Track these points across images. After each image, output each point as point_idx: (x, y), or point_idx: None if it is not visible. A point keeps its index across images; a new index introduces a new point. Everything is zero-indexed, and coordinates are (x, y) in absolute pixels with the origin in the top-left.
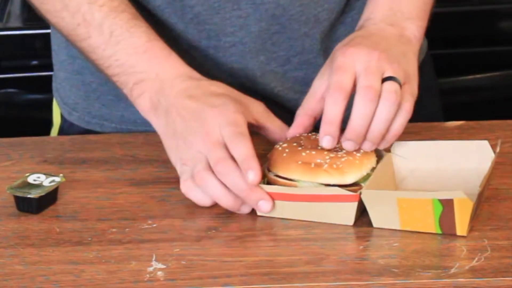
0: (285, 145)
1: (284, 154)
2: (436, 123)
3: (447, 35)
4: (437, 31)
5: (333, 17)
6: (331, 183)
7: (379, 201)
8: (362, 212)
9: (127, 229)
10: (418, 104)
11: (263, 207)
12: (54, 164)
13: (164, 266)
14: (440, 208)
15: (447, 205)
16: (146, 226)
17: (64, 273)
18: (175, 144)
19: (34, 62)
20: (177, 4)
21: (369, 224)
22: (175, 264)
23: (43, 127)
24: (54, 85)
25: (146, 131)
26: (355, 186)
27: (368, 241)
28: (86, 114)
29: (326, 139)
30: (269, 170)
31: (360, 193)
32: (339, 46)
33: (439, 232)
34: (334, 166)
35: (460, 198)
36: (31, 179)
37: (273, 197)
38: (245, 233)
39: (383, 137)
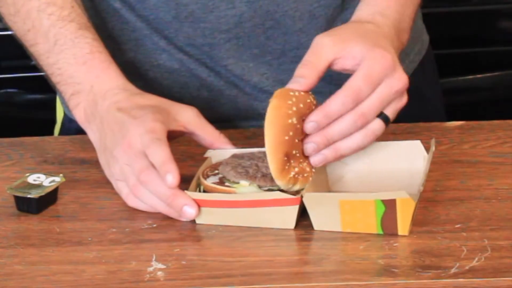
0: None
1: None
2: (436, 123)
3: (447, 35)
4: (437, 31)
5: (330, 13)
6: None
7: (320, 203)
8: (301, 215)
9: (127, 229)
10: (421, 100)
11: (188, 213)
12: (54, 164)
13: (164, 266)
14: (382, 208)
15: (389, 205)
16: (146, 226)
17: (64, 273)
18: (105, 160)
19: (34, 62)
20: (172, 3)
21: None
22: (175, 264)
23: (44, 127)
24: None
25: None
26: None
27: (368, 241)
28: None
29: (311, 124)
30: (206, 177)
31: (302, 196)
32: (369, 33)
33: (380, 232)
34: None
35: (403, 198)
36: (31, 179)
37: (213, 205)
38: (245, 233)
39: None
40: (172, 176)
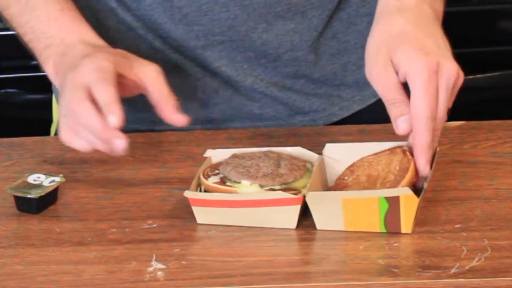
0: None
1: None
2: None
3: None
4: None
5: (325, 14)
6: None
7: (323, 202)
8: (302, 215)
9: (127, 229)
10: None
11: (119, 145)
12: (54, 164)
13: (164, 266)
14: (385, 206)
15: (392, 202)
16: (146, 226)
17: (64, 273)
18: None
19: (34, 62)
20: (166, 5)
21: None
22: (175, 264)
23: (43, 127)
24: None
25: (132, 129)
26: (292, 190)
27: (368, 241)
28: None
29: (426, 167)
30: (207, 177)
31: (304, 196)
32: (402, 38)
33: (384, 230)
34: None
35: (406, 194)
36: (31, 179)
37: (214, 204)
38: (245, 233)
39: None
40: (115, 117)
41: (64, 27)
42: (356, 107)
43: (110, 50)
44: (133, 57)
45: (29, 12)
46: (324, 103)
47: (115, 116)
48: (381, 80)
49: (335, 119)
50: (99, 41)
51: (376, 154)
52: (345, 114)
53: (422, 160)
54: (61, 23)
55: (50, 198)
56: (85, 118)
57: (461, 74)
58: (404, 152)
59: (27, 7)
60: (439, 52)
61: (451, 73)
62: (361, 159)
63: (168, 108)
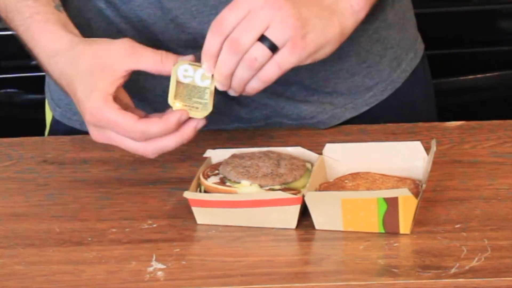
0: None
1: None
2: (436, 123)
3: (447, 35)
4: (437, 31)
5: None
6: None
7: (322, 202)
8: (302, 215)
9: (127, 229)
10: (412, 109)
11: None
12: (54, 164)
13: (164, 266)
14: (384, 206)
15: (391, 203)
16: (146, 226)
17: (64, 273)
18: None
19: (34, 62)
20: (157, 5)
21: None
22: (175, 264)
23: (43, 127)
24: (46, 80)
25: None
26: (292, 190)
27: (368, 241)
28: (68, 111)
29: (204, 65)
30: (207, 177)
31: (304, 196)
32: None
33: (382, 231)
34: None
35: (405, 196)
36: (180, 74)
37: (214, 205)
38: (245, 233)
39: (242, 89)
40: (169, 120)
41: (34, 38)
42: (348, 115)
43: (85, 72)
44: (103, 56)
45: (10, 20)
46: (314, 111)
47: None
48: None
49: (322, 127)
50: (62, 44)
51: (384, 175)
52: (336, 122)
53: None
54: (31, 33)
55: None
56: (159, 141)
57: (299, 45)
58: (416, 185)
59: (7, 16)
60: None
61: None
62: (367, 173)
63: (166, 67)
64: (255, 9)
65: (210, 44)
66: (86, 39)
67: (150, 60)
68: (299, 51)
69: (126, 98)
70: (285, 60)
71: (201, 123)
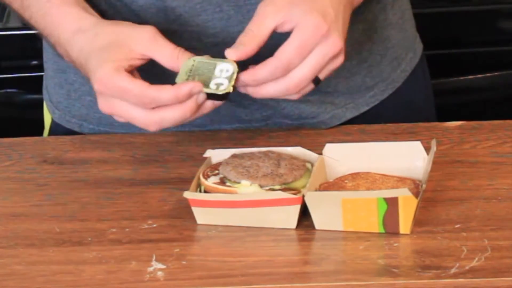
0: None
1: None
2: (436, 123)
3: (447, 35)
4: (437, 31)
5: None
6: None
7: (322, 202)
8: (302, 215)
9: (127, 229)
10: (412, 109)
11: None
12: (54, 164)
13: (164, 266)
14: (384, 206)
15: (391, 203)
16: (146, 226)
17: (64, 273)
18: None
19: (34, 62)
20: (160, 5)
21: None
22: (175, 264)
23: (43, 127)
24: (44, 82)
25: (123, 133)
26: (292, 190)
27: (368, 241)
28: (66, 113)
29: (240, 83)
30: (207, 177)
31: (303, 196)
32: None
33: (382, 231)
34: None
35: (405, 196)
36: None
37: (214, 205)
38: (245, 233)
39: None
40: (178, 90)
41: (54, 22)
42: (349, 115)
43: (103, 47)
44: (124, 34)
45: (26, 8)
46: (315, 111)
47: (175, 91)
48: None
49: (323, 127)
50: (85, 23)
51: (384, 175)
52: (336, 122)
53: (250, 89)
54: (51, 18)
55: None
56: (168, 114)
57: (342, 55)
58: (416, 185)
59: (23, 4)
60: (335, 21)
61: (334, 45)
62: (367, 173)
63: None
64: (323, 56)
65: (268, 76)
66: (111, 20)
67: (168, 54)
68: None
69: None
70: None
71: (202, 98)
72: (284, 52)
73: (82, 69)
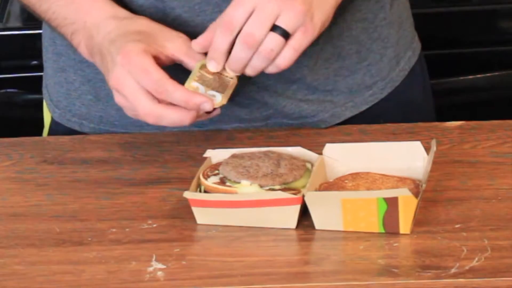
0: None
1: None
2: (436, 123)
3: (447, 35)
4: (437, 31)
5: None
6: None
7: (322, 202)
8: (302, 215)
9: (127, 229)
10: (411, 107)
11: (206, 107)
12: (54, 164)
13: (164, 266)
14: (384, 206)
15: (391, 203)
16: (146, 226)
17: (64, 273)
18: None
19: (34, 62)
20: (159, 5)
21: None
22: (175, 264)
23: (43, 127)
24: (44, 81)
25: (123, 132)
26: (292, 190)
27: (368, 241)
28: (67, 112)
29: (211, 63)
30: (207, 177)
31: (303, 196)
32: None
33: (382, 231)
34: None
35: (405, 196)
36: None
37: (214, 205)
38: (245, 233)
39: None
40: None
41: (81, 9)
42: (349, 114)
43: (136, 31)
44: (157, 29)
45: (45, 0)
46: (315, 110)
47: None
48: None
49: (323, 126)
50: (121, 12)
51: (384, 175)
52: (336, 121)
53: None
54: (79, 5)
55: None
56: (168, 96)
57: (310, 27)
58: (416, 185)
59: None
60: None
61: (294, 9)
62: (367, 173)
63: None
64: (262, 3)
65: (220, 41)
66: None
67: (193, 64)
68: (311, 33)
69: None
70: (300, 44)
71: (205, 109)
72: (227, 13)
73: (101, 54)
